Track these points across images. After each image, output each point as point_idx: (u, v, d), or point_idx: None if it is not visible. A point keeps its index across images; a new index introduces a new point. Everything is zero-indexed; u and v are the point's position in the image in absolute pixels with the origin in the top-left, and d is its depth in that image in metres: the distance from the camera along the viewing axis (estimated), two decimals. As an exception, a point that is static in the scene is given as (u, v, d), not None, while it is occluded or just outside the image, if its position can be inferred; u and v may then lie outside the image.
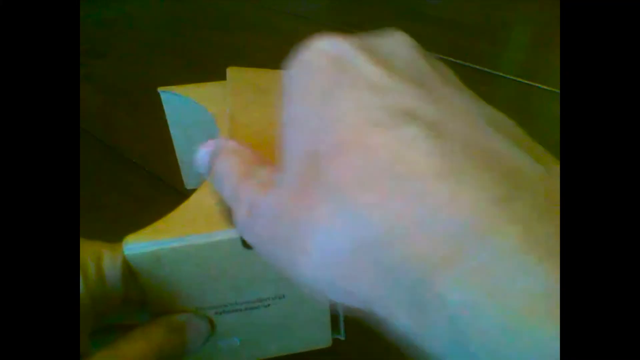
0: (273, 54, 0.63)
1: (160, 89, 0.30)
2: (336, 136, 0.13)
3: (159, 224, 0.20)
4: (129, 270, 0.20)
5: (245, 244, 0.20)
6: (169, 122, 0.31)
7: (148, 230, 0.20)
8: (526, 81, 0.54)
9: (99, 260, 0.19)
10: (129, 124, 0.45)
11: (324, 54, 0.15)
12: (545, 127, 0.47)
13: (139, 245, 0.19)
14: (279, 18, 0.70)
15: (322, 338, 0.25)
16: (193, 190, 0.28)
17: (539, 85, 0.53)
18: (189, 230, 0.20)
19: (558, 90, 0.51)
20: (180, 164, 0.33)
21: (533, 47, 0.65)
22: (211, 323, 0.22)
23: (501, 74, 0.55)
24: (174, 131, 0.31)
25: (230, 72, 0.30)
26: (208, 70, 0.57)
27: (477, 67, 0.56)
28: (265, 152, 0.22)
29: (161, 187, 0.39)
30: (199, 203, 0.21)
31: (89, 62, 0.55)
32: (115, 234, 0.20)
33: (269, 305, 0.22)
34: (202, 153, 0.19)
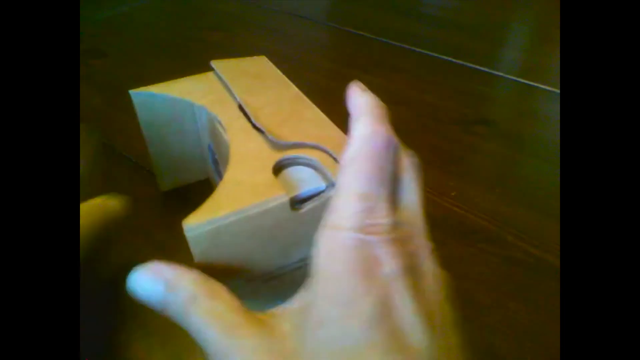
0: (273, 54, 0.63)
1: (131, 91, 0.29)
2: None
3: (209, 204, 0.20)
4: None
5: (294, 206, 0.21)
6: (142, 124, 0.31)
7: (202, 211, 0.20)
8: (526, 81, 0.54)
9: None
10: (129, 123, 0.45)
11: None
12: (545, 127, 0.47)
13: (199, 225, 0.19)
14: (279, 18, 0.70)
15: None
16: (172, 191, 0.28)
17: (539, 85, 0.53)
18: (240, 203, 0.20)
19: (558, 90, 0.51)
20: (154, 166, 0.33)
21: (533, 47, 0.65)
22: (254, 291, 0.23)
23: (501, 74, 0.55)
24: (147, 133, 0.31)
25: (216, 64, 0.31)
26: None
27: (477, 67, 0.56)
28: (292, 126, 0.25)
29: (161, 187, 0.39)
30: (235, 179, 0.22)
31: (89, 62, 0.55)
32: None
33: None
34: (147, 281, 0.18)
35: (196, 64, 0.32)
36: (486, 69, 0.56)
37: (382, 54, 0.60)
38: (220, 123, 0.26)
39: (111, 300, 0.27)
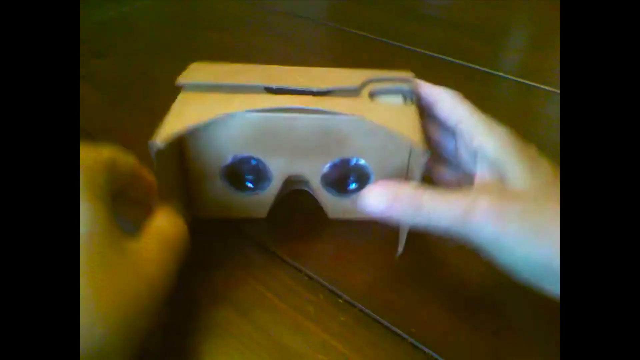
0: (273, 53, 0.62)
1: (153, 142, 0.26)
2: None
3: (406, 134, 0.27)
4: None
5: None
6: (159, 175, 0.27)
7: (410, 135, 0.27)
8: (526, 81, 0.54)
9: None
10: (129, 124, 0.45)
11: None
12: (545, 127, 0.47)
13: (420, 146, 0.26)
14: (279, 18, 0.70)
15: None
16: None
17: (539, 85, 0.53)
18: (414, 124, 0.28)
19: (558, 90, 0.51)
20: None
21: (533, 47, 0.65)
22: None
23: (501, 74, 0.55)
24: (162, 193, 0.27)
25: (185, 79, 0.30)
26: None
27: (477, 67, 0.56)
28: (338, 79, 0.30)
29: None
30: (379, 119, 0.27)
31: (89, 62, 0.55)
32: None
33: None
34: (377, 194, 0.23)
35: (196, 64, 0.31)
36: (486, 69, 0.56)
37: (382, 54, 0.60)
38: (288, 110, 0.28)
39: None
